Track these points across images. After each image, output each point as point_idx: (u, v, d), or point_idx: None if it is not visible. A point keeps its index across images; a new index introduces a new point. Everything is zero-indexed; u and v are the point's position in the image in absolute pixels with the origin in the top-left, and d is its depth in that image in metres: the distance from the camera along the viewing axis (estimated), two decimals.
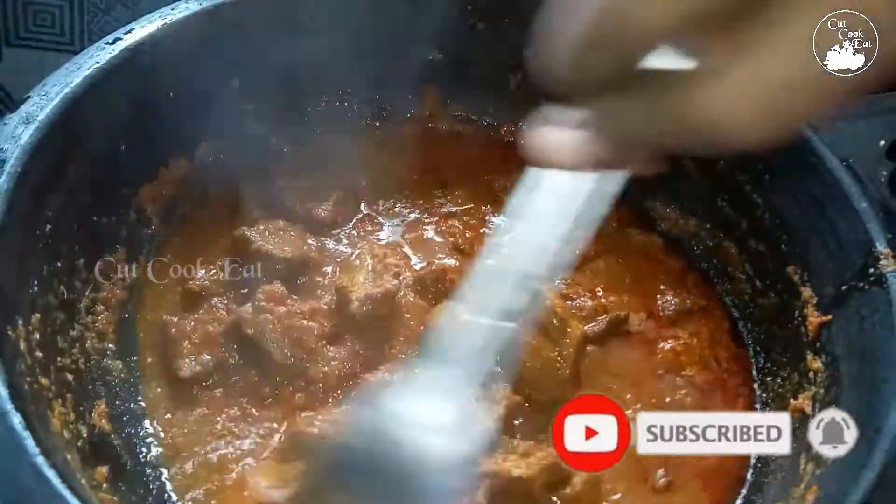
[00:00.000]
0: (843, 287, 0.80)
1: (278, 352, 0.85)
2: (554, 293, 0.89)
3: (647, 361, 0.93)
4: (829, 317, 0.82)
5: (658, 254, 1.04)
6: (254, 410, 0.84)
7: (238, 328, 0.86)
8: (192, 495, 0.79)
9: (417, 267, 0.98)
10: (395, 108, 1.15)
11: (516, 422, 0.84)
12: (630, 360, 0.93)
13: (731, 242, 1.00)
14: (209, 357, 0.86)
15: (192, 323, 0.88)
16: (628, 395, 0.89)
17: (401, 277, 0.93)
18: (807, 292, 0.86)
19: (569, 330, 0.87)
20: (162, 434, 0.83)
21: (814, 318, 0.84)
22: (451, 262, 0.99)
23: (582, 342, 0.88)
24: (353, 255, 0.96)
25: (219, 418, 0.84)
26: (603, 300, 0.97)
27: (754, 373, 0.93)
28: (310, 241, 0.98)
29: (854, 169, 0.84)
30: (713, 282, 1.01)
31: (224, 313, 0.90)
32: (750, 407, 0.91)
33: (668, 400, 0.89)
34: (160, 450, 0.82)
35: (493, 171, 1.09)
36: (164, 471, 0.80)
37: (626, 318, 0.95)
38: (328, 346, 0.87)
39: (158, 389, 0.86)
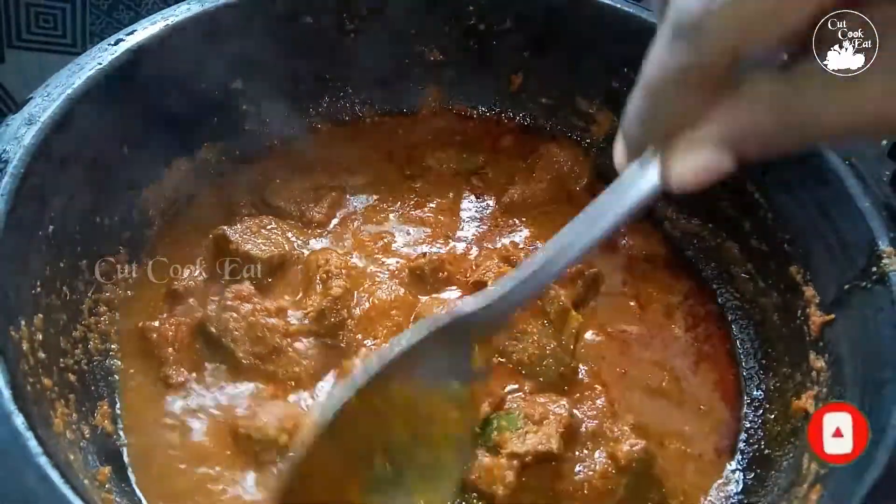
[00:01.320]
0: (846, 286, 0.80)
1: (240, 349, 0.84)
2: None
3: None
4: (832, 316, 0.82)
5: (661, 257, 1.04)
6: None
7: (203, 327, 0.86)
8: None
9: (398, 258, 0.97)
10: (395, 108, 1.15)
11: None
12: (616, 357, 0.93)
13: (733, 242, 0.99)
14: (189, 359, 0.85)
15: (173, 329, 0.86)
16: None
17: (362, 267, 0.93)
18: (809, 292, 0.86)
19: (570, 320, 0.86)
20: (133, 438, 0.81)
21: (817, 318, 0.84)
22: (438, 250, 0.99)
23: (581, 330, 0.88)
24: (299, 268, 0.94)
25: (190, 422, 0.82)
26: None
27: (752, 372, 0.93)
28: (293, 238, 0.97)
29: (857, 168, 0.83)
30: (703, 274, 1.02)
31: (198, 313, 0.88)
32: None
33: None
34: (131, 455, 0.79)
35: (485, 161, 1.11)
36: (133, 475, 0.78)
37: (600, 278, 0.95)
38: (293, 344, 0.86)
39: (137, 393, 0.84)
